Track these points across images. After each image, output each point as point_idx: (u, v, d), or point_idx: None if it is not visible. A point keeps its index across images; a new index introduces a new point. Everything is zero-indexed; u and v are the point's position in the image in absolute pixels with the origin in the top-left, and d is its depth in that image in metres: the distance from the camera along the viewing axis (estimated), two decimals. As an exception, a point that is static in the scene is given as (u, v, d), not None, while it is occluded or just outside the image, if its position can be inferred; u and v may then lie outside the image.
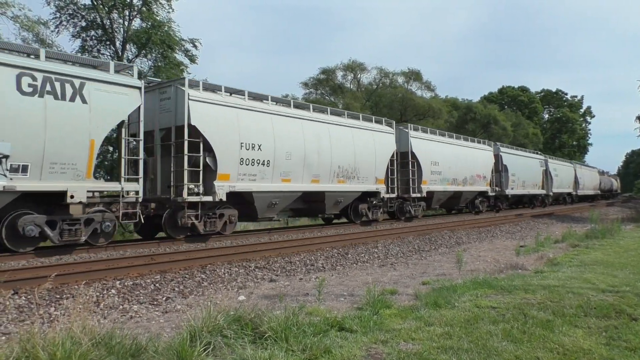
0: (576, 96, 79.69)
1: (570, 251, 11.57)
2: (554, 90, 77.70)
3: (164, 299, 6.97)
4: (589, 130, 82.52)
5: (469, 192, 25.24)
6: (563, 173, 40.50)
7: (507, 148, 30.73)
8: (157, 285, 7.57)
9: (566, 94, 78.26)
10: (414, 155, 20.57)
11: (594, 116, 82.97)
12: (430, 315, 5.41)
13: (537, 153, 35.30)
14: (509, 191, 29.44)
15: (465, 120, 47.52)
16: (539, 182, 34.41)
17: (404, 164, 20.44)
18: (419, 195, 20.77)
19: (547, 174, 35.89)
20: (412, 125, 22.08)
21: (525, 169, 31.88)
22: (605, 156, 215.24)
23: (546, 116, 75.74)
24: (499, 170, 28.61)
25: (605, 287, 6.88)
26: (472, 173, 25.18)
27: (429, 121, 40.22)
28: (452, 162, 23.38)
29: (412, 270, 9.44)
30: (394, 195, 19.62)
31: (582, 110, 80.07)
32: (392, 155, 19.35)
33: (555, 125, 73.92)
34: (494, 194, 27.91)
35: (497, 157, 28.32)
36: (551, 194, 36.70)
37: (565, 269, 8.66)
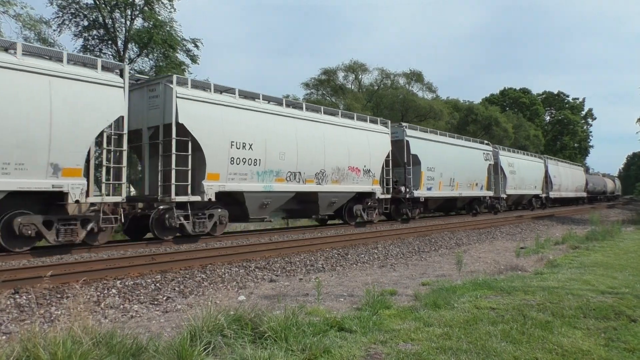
0: (578, 98, 79.73)
1: (570, 253, 11.57)
2: (555, 92, 77.73)
3: (164, 298, 6.99)
4: (590, 132, 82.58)
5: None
6: (525, 170, 32.13)
7: (420, 132, 22.16)
8: (157, 285, 7.59)
9: (568, 96, 78.28)
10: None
11: (595, 118, 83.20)
12: (429, 315, 5.43)
13: (485, 143, 28.34)
14: (421, 193, 20.93)
15: (466, 122, 47.54)
16: (483, 180, 26.75)
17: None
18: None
19: (496, 169, 28.48)
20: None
21: (455, 163, 23.82)
22: (606, 158, 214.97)
23: (547, 118, 75.72)
24: (404, 163, 20.30)
25: (605, 288, 6.89)
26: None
27: (430, 122, 40.23)
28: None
29: (411, 271, 9.45)
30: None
31: (583, 113, 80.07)
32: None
33: (557, 127, 73.91)
34: (384, 196, 19.35)
35: (404, 143, 20.33)
36: (503, 196, 28.93)
37: (565, 270, 8.67)
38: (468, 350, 4.25)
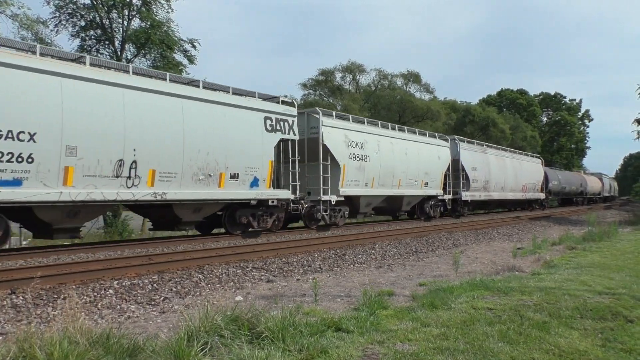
0: (575, 99, 79.92)
1: (567, 253, 11.60)
2: (552, 93, 77.92)
3: (161, 299, 6.98)
4: (587, 133, 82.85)
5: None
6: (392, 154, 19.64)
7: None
8: (154, 285, 7.58)
9: (565, 97, 78.46)
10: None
11: (592, 119, 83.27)
12: (426, 316, 5.43)
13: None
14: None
15: (463, 123, 47.62)
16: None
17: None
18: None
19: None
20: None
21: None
22: (604, 160, 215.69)
23: (544, 119, 75.91)
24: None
25: (602, 289, 6.91)
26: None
27: (427, 123, 40.31)
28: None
29: (409, 272, 9.46)
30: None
31: (580, 114, 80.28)
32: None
33: (554, 128, 74.08)
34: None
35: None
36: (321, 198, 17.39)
37: (562, 271, 8.68)
38: (465, 350, 4.25)
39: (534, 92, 74.95)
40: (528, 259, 10.90)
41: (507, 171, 29.85)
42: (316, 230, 16.19)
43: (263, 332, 4.43)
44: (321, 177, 16.02)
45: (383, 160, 18.68)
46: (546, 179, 37.20)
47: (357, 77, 46.63)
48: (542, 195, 35.53)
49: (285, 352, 4.11)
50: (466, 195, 24.48)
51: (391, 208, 21.07)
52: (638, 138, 26.65)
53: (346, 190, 16.89)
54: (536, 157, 36.81)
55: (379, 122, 19.96)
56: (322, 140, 16.01)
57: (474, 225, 19.39)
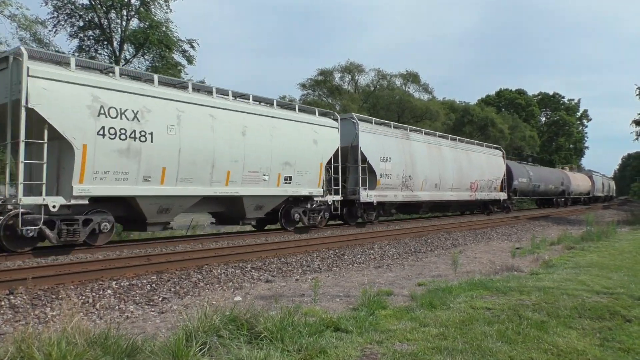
0: (573, 99, 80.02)
1: (566, 253, 11.61)
2: (551, 93, 78.02)
3: (160, 299, 6.97)
4: (586, 133, 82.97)
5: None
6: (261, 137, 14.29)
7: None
8: (153, 285, 7.57)
9: (563, 97, 78.55)
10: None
11: (590, 119, 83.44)
12: (425, 316, 5.43)
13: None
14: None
15: (462, 123, 47.63)
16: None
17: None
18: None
19: None
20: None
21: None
22: (602, 160, 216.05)
23: (543, 119, 75.97)
24: None
25: (600, 289, 6.92)
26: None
27: (426, 123, 40.29)
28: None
29: (408, 272, 9.46)
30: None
31: (578, 114, 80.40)
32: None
33: (552, 128, 74.15)
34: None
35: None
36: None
37: (561, 270, 8.70)
38: (464, 350, 4.26)
39: (532, 92, 75.09)
40: (527, 258, 10.92)
41: (445, 164, 22.62)
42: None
43: (262, 332, 4.43)
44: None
45: (186, 140, 11.63)
46: (509, 176, 29.60)
47: (356, 77, 46.63)
48: (503, 195, 28.26)
49: (284, 352, 4.11)
50: (369, 196, 17.58)
51: (230, 215, 14.25)
52: (637, 139, 26.64)
53: (90, 187, 10.01)
54: (495, 148, 29.51)
55: (189, 82, 12.83)
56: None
57: (473, 225, 19.39)
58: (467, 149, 25.29)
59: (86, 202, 10.09)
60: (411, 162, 20.22)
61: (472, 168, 24.96)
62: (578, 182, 45.84)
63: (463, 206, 26.58)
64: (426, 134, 22.71)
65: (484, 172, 26.14)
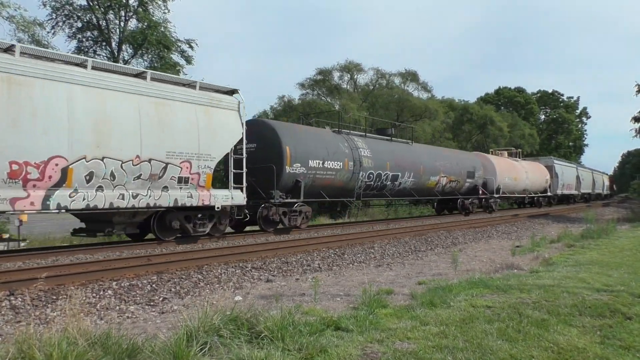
0: (572, 97, 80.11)
1: (566, 251, 11.62)
2: (550, 91, 78.07)
3: (160, 299, 6.97)
4: (585, 131, 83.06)
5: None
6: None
7: None
8: (153, 285, 7.57)
9: (562, 95, 78.64)
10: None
11: (590, 117, 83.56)
12: (425, 314, 5.43)
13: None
14: None
15: (461, 121, 47.63)
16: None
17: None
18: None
19: None
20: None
21: None
22: (602, 157, 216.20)
23: (542, 117, 76.01)
24: None
25: (600, 286, 6.92)
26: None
27: (425, 122, 40.29)
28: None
29: (408, 270, 9.47)
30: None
31: (578, 111, 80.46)
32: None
33: (552, 126, 74.21)
34: None
35: None
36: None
37: (561, 268, 8.70)
38: (464, 348, 4.26)
39: (531, 90, 75.13)
40: (527, 257, 10.92)
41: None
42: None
43: (262, 331, 4.43)
44: None
45: None
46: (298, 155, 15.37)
47: (355, 77, 46.54)
48: (237, 200, 14.51)
49: (284, 352, 4.11)
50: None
51: None
52: (636, 136, 26.66)
53: None
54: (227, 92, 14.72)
55: None
56: None
57: (472, 224, 19.39)
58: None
59: None
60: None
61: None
62: (518, 173, 29.94)
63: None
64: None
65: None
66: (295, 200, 15.08)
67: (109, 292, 7.09)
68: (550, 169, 35.70)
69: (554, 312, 5.47)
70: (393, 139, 21.53)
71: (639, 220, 22.64)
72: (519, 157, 35.04)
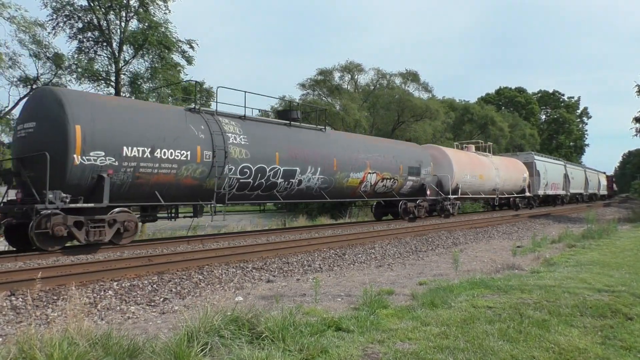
0: (573, 97, 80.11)
1: (567, 251, 11.61)
2: (550, 91, 78.04)
3: (161, 300, 6.98)
4: (586, 131, 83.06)
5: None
6: None
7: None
8: (154, 286, 7.58)
9: (563, 95, 78.64)
10: None
11: (590, 117, 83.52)
12: (426, 315, 5.43)
13: None
14: None
15: (462, 121, 47.60)
16: None
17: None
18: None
19: None
20: None
21: None
22: (603, 157, 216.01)
23: (543, 117, 76.01)
24: None
25: (601, 286, 6.91)
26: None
27: (426, 122, 40.25)
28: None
29: (409, 271, 9.46)
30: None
31: (578, 111, 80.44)
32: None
33: (552, 126, 74.21)
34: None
35: None
36: None
37: (562, 269, 8.69)
38: (465, 349, 4.25)
39: (532, 90, 75.13)
40: (528, 257, 10.91)
41: None
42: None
43: (263, 332, 4.43)
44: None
45: None
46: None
47: (356, 77, 46.55)
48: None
49: (285, 352, 4.11)
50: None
51: None
52: (636, 135, 26.67)
53: None
54: None
55: None
56: None
57: (473, 224, 19.38)
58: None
59: None
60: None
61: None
62: (485, 170, 25.56)
63: None
64: None
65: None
66: (97, 205, 10.25)
67: (110, 292, 7.09)
68: (530, 165, 30.88)
69: (555, 312, 5.47)
70: (297, 124, 16.06)
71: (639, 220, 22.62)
72: (489, 152, 29.55)
